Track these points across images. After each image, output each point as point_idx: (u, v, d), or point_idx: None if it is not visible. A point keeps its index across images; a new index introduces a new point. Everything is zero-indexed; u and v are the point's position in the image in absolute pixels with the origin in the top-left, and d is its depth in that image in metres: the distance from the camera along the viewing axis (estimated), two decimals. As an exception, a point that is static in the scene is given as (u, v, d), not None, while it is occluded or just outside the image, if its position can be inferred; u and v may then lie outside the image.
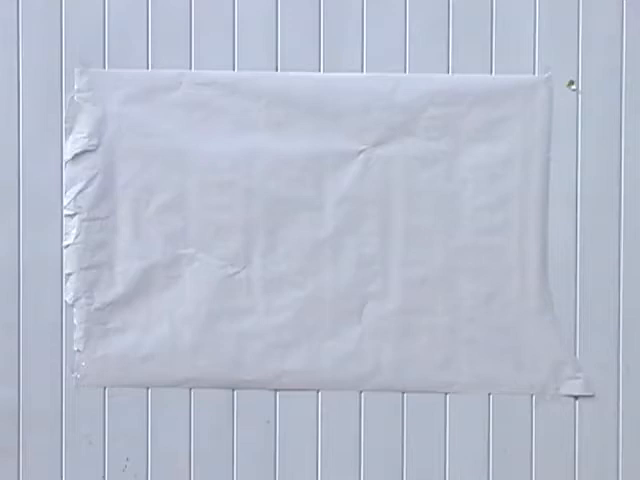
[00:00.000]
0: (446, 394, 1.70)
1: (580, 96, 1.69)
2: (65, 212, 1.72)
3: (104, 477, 1.74)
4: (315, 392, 1.71)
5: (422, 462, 1.71)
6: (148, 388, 1.72)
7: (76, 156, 1.72)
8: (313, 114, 1.70)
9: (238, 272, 1.71)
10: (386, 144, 1.70)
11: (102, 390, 1.73)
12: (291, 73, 1.70)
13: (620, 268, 1.69)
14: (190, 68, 1.71)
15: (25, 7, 1.72)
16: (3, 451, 1.74)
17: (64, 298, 1.72)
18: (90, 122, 1.71)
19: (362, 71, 1.70)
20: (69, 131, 1.71)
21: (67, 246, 1.72)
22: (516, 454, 1.70)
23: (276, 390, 1.71)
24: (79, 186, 1.72)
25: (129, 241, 1.72)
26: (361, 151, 1.70)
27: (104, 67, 1.71)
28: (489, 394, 1.70)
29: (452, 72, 1.70)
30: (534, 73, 1.69)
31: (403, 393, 1.71)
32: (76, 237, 1.72)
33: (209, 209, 1.71)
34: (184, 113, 1.70)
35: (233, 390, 1.72)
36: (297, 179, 1.70)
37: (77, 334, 1.72)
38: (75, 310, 1.72)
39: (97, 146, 1.71)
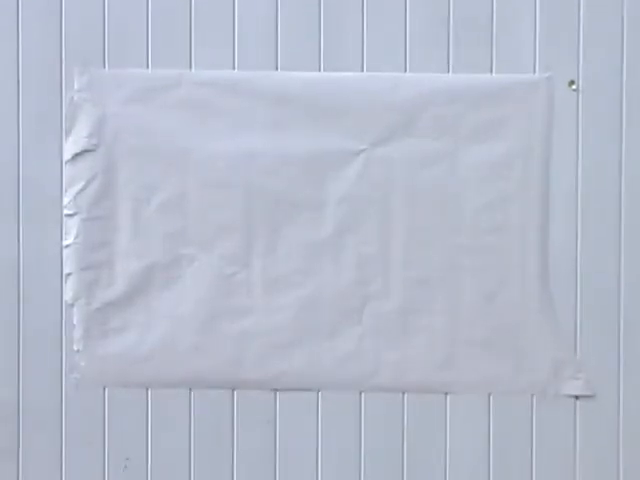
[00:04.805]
0: (446, 394, 1.70)
1: (580, 96, 1.69)
2: (65, 212, 1.72)
3: (104, 477, 1.74)
4: (315, 392, 1.71)
5: (422, 462, 1.71)
6: (148, 388, 1.72)
7: (76, 156, 1.72)
8: (313, 114, 1.69)
9: (238, 272, 1.71)
10: (386, 144, 1.70)
11: (102, 390, 1.73)
12: (291, 73, 1.70)
13: (620, 268, 1.69)
14: (190, 68, 1.71)
15: (25, 7, 1.72)
16: (3, 451, 1.74)
17: (64, 298, 1.72)
18: (90, 122, 1.71)
19: (362, 71, 1.70)
20: (69, 131, 1.71)
21: (67, 246, 1.72)
22: (516, 454, 1.70)
23: (276, 390, 1.71)
24: (79, 186, 1.72)
25: (129, 241, 1.72)
26: (361, 151, 1.70)
27: (104, 67, 1.71)
28: (489, 394, 1.70)
29: (452, 72, 1.69)
30: (534, 72, 1.69)
31: (403, 393, 1.71)
32: (76, 237, 1.72)
33: (209, 209, 1.71)
34: (184, 113, 1.70)
35: (233, 390, 1.72)
36: (297, 179, 1.70)
37: (77, 334, 1.72)
38: (75, 310, 1.72)
39: (97, 146, 1.71)
